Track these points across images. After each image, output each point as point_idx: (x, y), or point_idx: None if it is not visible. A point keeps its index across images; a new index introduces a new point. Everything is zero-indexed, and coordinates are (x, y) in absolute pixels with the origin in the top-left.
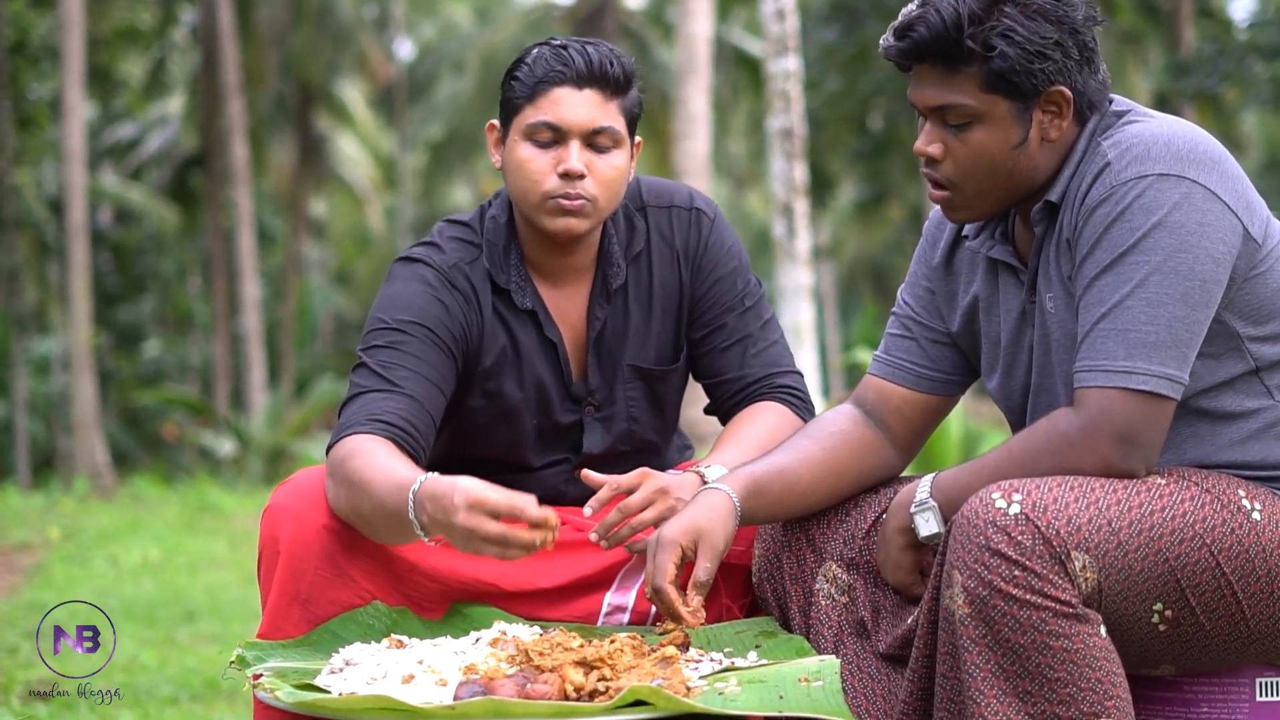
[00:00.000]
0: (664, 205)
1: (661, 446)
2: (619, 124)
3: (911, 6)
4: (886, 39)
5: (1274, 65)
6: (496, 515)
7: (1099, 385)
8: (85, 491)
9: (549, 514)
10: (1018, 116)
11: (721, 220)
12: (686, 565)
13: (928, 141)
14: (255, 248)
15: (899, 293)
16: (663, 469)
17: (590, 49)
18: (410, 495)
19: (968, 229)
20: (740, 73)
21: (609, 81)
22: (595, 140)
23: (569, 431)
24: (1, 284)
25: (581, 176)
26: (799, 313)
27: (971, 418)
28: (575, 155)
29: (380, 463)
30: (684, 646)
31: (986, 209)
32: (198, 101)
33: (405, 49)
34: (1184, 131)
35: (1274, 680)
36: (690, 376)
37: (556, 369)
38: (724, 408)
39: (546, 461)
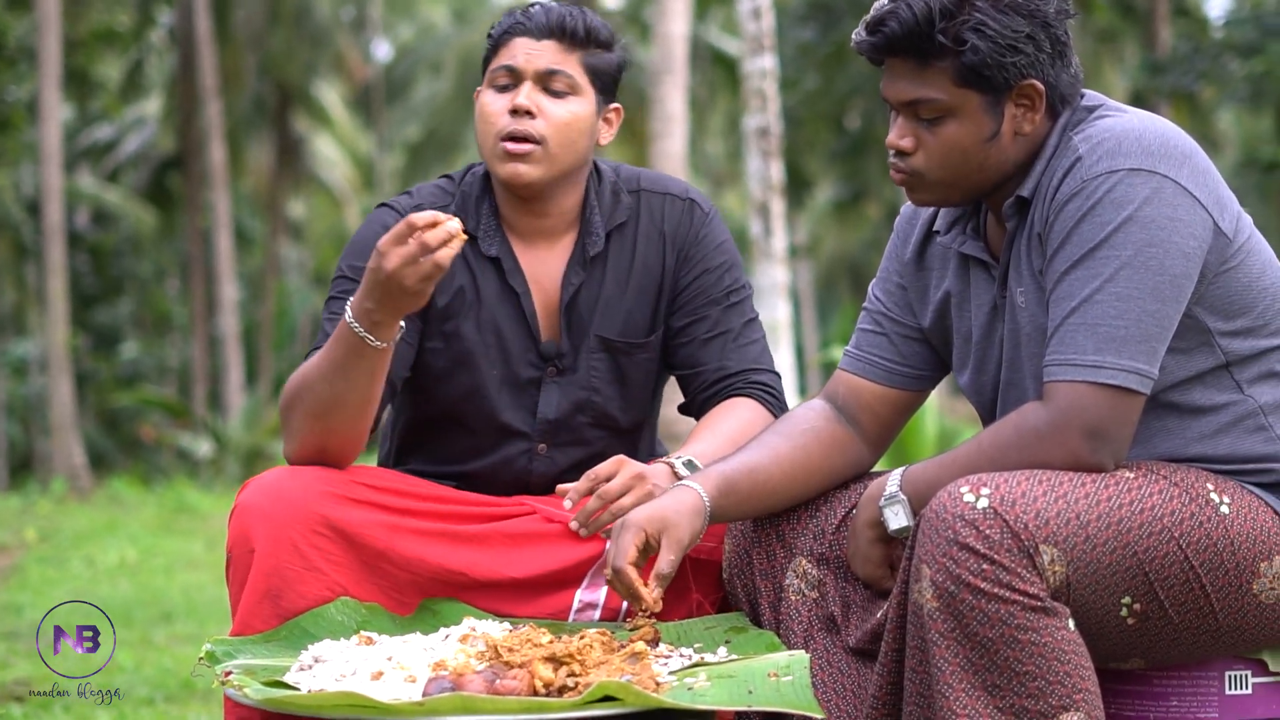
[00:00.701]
0: (659, 191)
1: (625, 426)
2: (577, 73)
3: (883, 1)
4: (858, 33)
5: (1250, 63)
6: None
7: (1068, 379)
8: (62, 493)
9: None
10: (990, 110)
11: (717, 218)
12: (651, 559)
13: (900, 135)
14: (233, 249)
15: (870, 288)
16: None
17: (556, 6)
18: (346, 319)
19: (939, 224)
20: (717, 72)
21: (567, 33)
22: (549, 84)
23: (528, 388)
24: None
25: (530, 114)
26: (775, 311)
27: (947, 415)
28: (526, 93)
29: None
30: (654, 642)
31: (954, 198)
32: (175, 103)
33: (383, 50)
34: (1155, 126)
35: (1242, 673)
36: (666, 369)
37: (521, 322)
38: (698, 400)
39: (510, 427)
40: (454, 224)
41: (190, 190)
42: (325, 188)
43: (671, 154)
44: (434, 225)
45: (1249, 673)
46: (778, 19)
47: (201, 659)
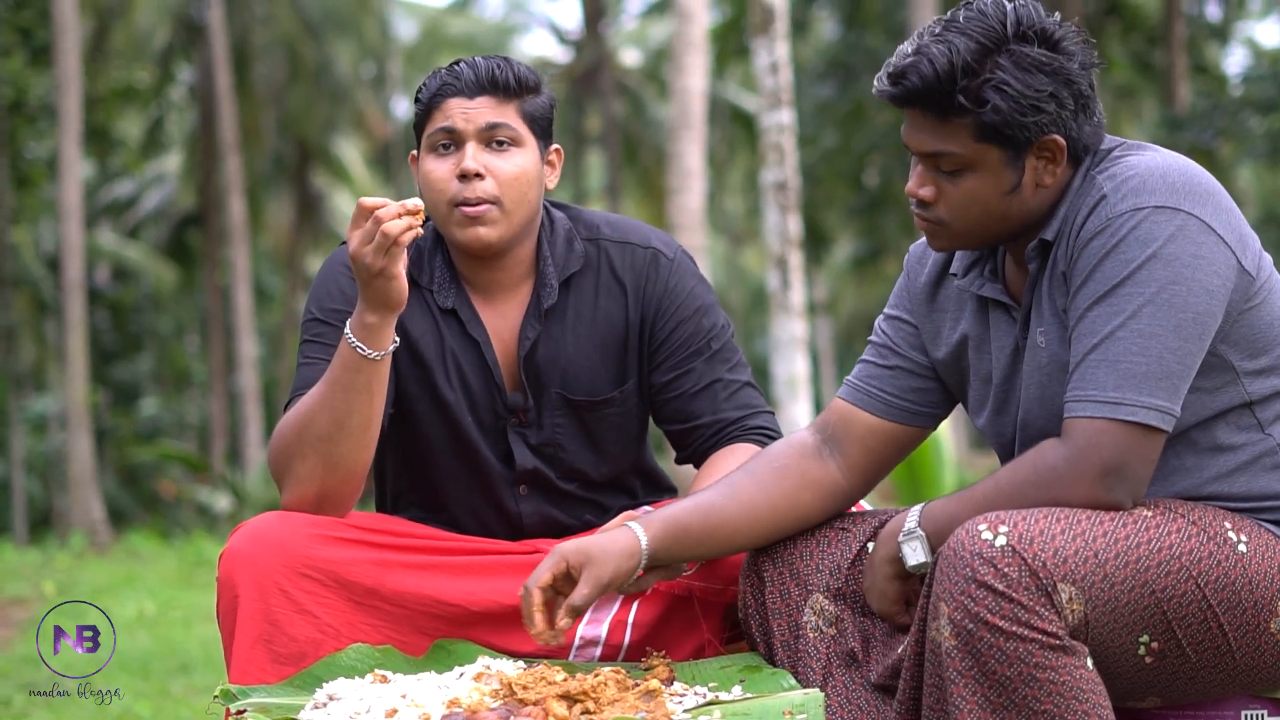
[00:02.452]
0: (619, 240)
1: (599, 480)
2: (516, 123)
3: (905, 48)
4: (880, 80)
5: (1269, 119)
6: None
7: (1087, 415)
8: (81, 547)
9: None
10: (1010, 164)
11: (683, 260)
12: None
13: (919, 184)
14: (252, 305)
15: (876, 322)
16: (621, 508)
17: (481, 60)
18: (345, 334)
19: (955, 266)
20: (736, 129)
21: (500, 86)
22: (491, 139)
23: (499, 436)
24: None
25: (479, 176)
26: (794, 364)
27: (966, 469)
28: (470, 155)
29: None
30: (668, 681)
31: (973, 245)
32: (195, 160)
33: (403, 107)
34: (1178, 164)
35: (1259, 712)
36: (658, 424)
37: (485, 371)
38: (699, 452)
39: (492, 469)
40: (411, 201)
41: (210, 246)
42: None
43: (690, 209)
44: (380, 206)
45: (1265, 712)
46: (796, 77)
47: (216, 698)
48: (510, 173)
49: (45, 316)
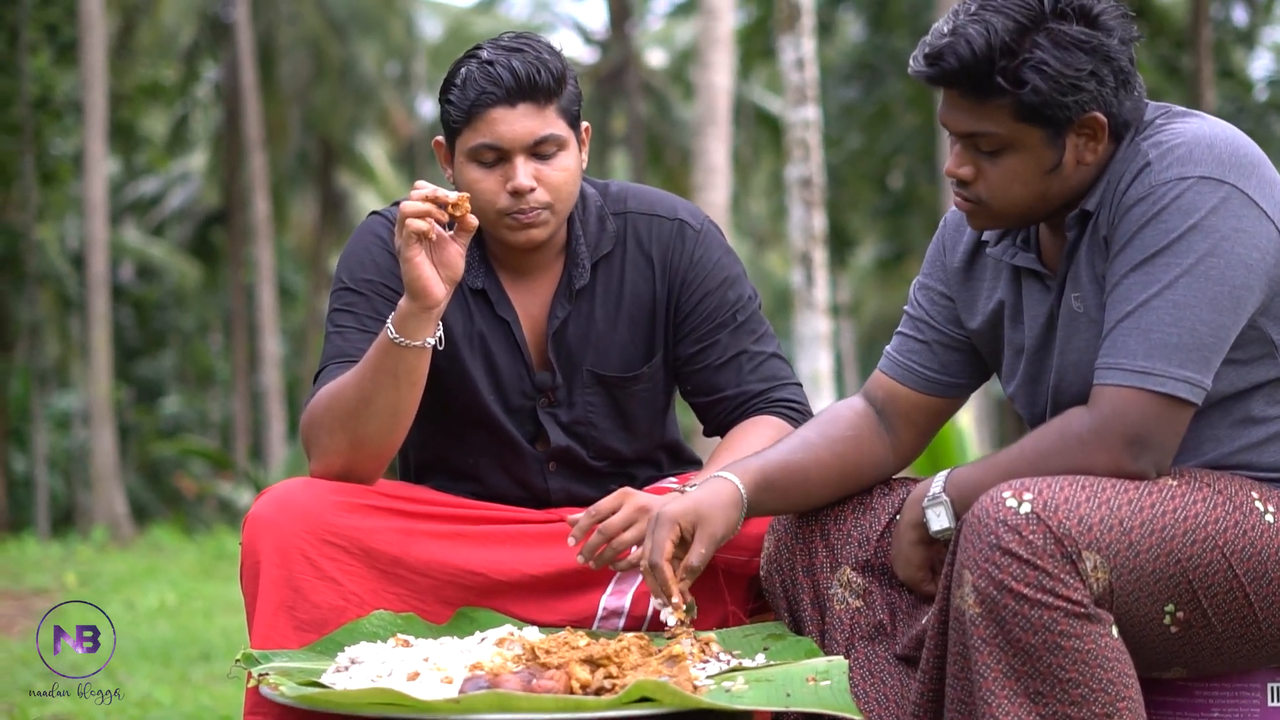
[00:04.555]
0: (646, 212)
1: (629, 457)
2: (559, 128)
3: (941, 27)
4: (916, 60)
5: None
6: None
7: (1115, 384)
8: (103, 540)
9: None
10: (1051, 143)
11: (710, 231)
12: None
13: (958, 164)
14: (276, 304)
15: (911, 290)
16: (647, 479)
17: (516, 62)
18: (387, 329)
19: (987, 235)
20: (761, 131)
21: (541, 90)
22: (539, 150)
23: (527, 416)
24: (23, 338)
25: (531, 190)
26: (817, 361)
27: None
28: (521, 172)
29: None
30: (705, 646)
31: (1014, 224)
32: (220, 158)
33: (427, 107)
34: (1225, 133)
35: None
36: (683, 397)
37: (514, 351)
38: (723, 425)
39: (520, 446)
40: (449, 194)
41: (234, 245)
42: None
43: (714, 205)
44: (425, 193)
45: None
46: (821, 78)
47: (238, 662)
48: (558, 179)
49: (69, 313)
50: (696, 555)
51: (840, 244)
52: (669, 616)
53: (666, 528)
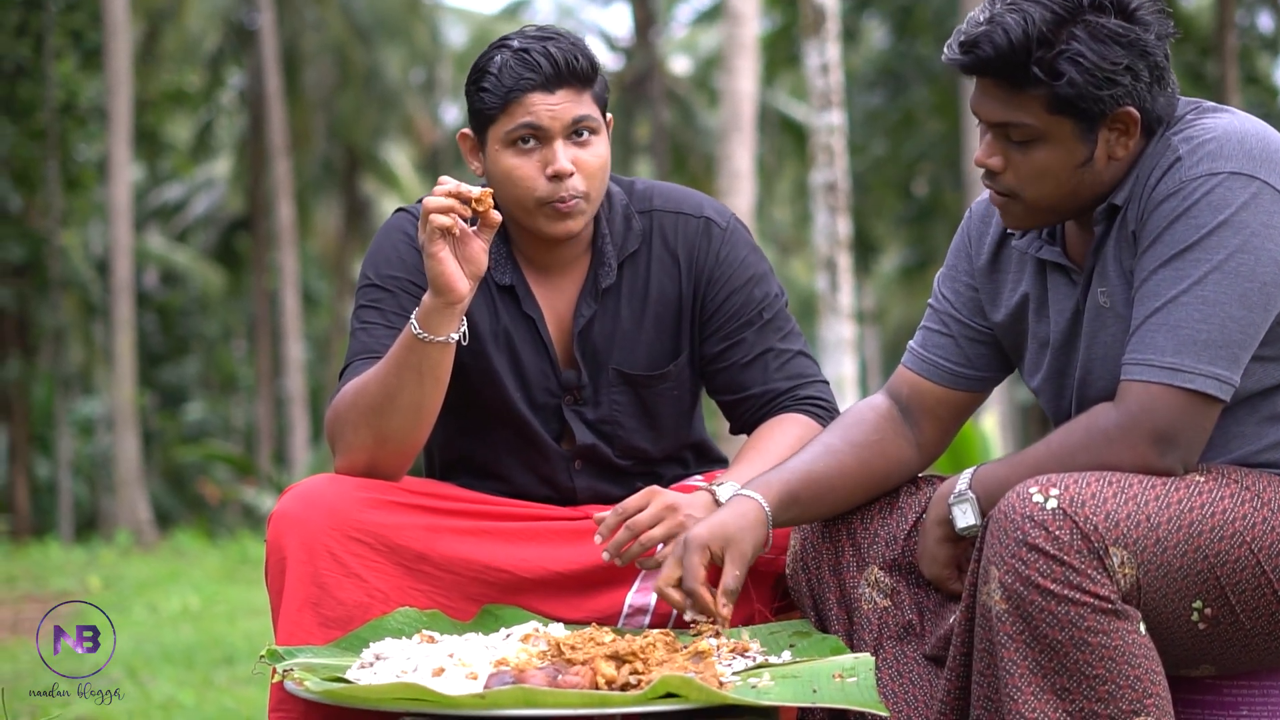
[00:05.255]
0: (672, 210)
1: (659, 458)
2: (594, 112)
3: (978, 16)
4: (950, 48)
5: None
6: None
7: (1143, 379)
8: (127, 545)
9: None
10: (1083, 136)
11: (736, 229)
12: (712, 568)
13: (988, 154)
14: (300, 310)
15: (936, 283)
16: (674, 478)
17: (553, 48)
18: (411, 324)
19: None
20: (785, 138)
21: (579, 76)
22: (577, 132)
23: (553, 414)
24: (47, 344)
25: (571, 175)
26: (841, 366)
27: None
28: (562, 155)
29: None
30: (716, 636)
31: (1046, 220)
32: (244, 164)
33: (452, 114)
34: (1256, 129)
35: None
36: (710, 395)
37: (539, 349)
38: (750, 423)
39: (545, 445)
40: (472, 189)
41: (258, 251)
42: None
43: (739, 211)
44: (450, 188)
45: None
46: (846, 84)
47: (262, 657)
48: (595, 165)
49: (93, 319)
50: (731, 577)
51: (865, 251)
52: (709, 640)
53: (696, 554)
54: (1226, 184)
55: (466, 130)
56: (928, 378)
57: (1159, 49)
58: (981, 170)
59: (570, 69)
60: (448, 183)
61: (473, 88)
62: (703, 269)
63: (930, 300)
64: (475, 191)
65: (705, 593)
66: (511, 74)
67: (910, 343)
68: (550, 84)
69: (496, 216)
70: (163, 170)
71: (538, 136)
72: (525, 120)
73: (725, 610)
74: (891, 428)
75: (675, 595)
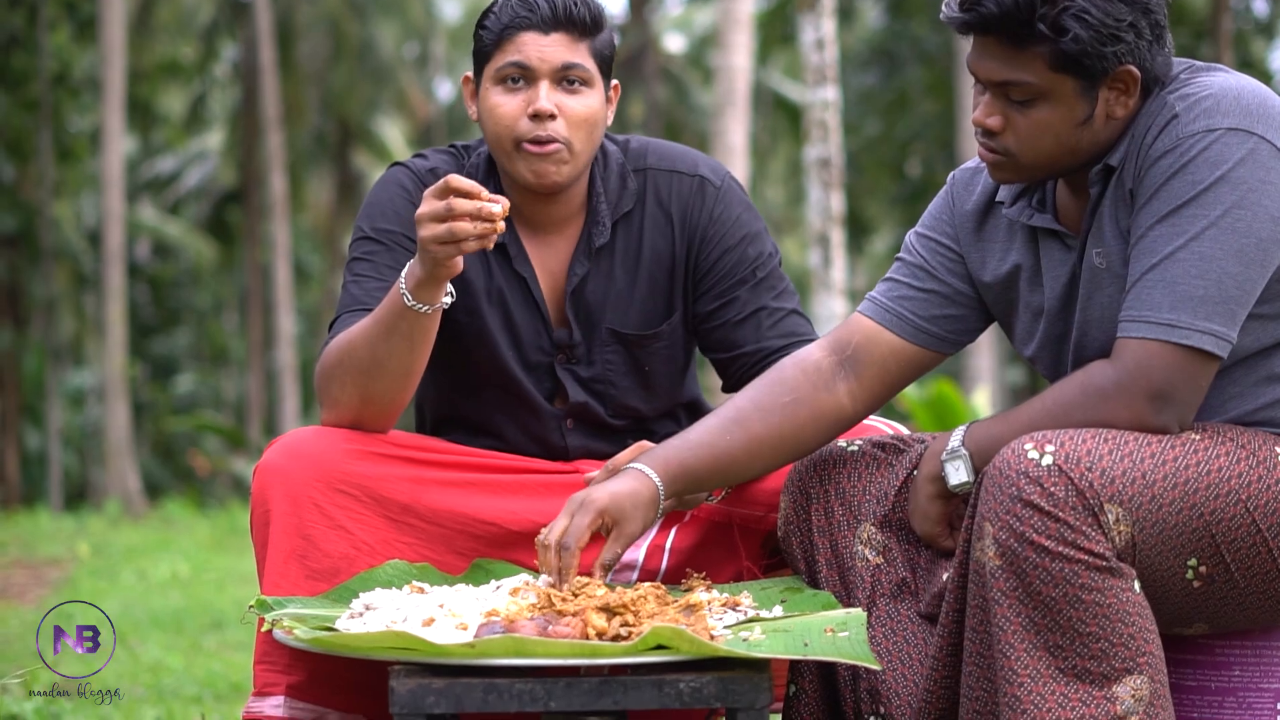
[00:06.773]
0: (666, 169)
1: (651, 416)
2: (589, 63)
3: None
4: (949, 5)
5: None
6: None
7: (1139, 336)
8: (116, 514)
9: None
10: (1084, 95)
11: (730, 187)
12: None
13: (987, 114)
14: (291, 283)
15: (908, 238)
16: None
17: None
18: (403, 295)
19: (1002, 195)
20: (778, 117)
21: (575, 23)
22: (565, 78)
23: (545, 373)
24: (38, 315)
25: (552, 117)
26: None
27: None
28: (544, 95)
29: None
30: (708, 590)
31: (1038, 177)
32: (237, 137)
33: (445, 88)
34: (1251, 86)
35: None
36: (702, 353)
37: (532, 308)
38: (742, 381)
39: (536, 403)
40: (497, 206)
41: (250, 224)
42: None
43: None
44: (466, 192)
45: None
46: (840, 63)
47: (251, 607)
48: (581, 114)
49: (85, 290)
50: (610, 553)
51: (857, 230)
52: (700, 594)
53: (590, 517)
54: (1224, 140)
55: (468, 74)
56: (889, 328)
57: (1160, 7)
58: (978, 130)
59: (568, 14)
60: (472, 189)
61: (477, 29)
62: (696, 227)
63: (902, 254)
64: (497, 209)
65: (577, 555)
66: (509, 11)
67: (871, 293)
68: (545, 25)
69: (502, 227)
70: (156, 142)
71: (525, 76)
72: (514, 59)
73: (597, 579)
74: (813, 383)
75: (551, 552)
